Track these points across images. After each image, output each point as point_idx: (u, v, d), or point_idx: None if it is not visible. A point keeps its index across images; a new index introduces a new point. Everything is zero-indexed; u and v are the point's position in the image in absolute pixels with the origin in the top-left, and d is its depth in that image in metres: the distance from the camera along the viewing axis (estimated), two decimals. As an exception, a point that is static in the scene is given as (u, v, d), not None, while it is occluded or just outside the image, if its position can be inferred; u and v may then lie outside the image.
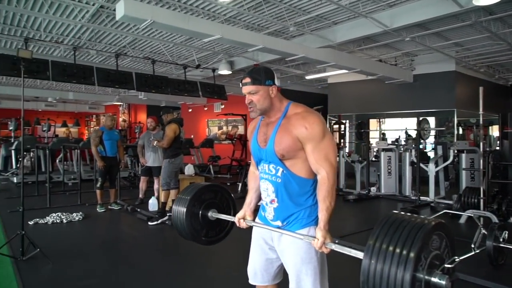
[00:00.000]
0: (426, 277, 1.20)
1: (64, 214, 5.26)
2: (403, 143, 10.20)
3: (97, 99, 15.45)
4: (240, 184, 7.57)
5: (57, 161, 8.63)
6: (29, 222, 4.91)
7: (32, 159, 7.54)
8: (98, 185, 5.75)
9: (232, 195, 2.16)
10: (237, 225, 1.92)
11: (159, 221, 5.00)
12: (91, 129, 19.39)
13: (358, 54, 8.67)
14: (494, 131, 12.03)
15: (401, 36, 7.10)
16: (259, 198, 1.92)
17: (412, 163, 6.93)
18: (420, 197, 6.55)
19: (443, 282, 1.20)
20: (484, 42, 7.98)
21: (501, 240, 3.27)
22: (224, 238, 2.08)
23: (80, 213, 5.39)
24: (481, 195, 4.94)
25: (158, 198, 5.76)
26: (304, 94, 12.94)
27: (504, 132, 5.62)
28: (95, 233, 4.70)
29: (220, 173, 11.13)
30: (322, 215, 1.58)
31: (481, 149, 4.88)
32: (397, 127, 12.00)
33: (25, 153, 8.83)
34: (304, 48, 7.21)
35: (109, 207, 5.94)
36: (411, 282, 1.13)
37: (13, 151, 8.81)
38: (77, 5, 5.97)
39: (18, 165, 8.61)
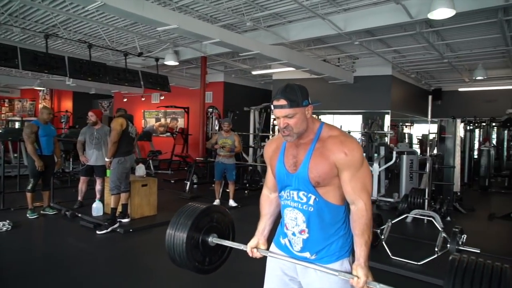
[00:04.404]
0: None
1: (-14, 224, 4.43)
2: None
3: (11, 82, 13.53)
4: (188, 183, 7.18)
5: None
6: None
7: None
8: (29, 187, 4.95)
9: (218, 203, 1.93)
10: (250, 255, 1.71)
11: (109, 229, 4.46)
12: (2, 115, 16.98)
13: (306, 52, 8.78)
14: (415, 129, 13.29)
15: (351, 39, 7.32)
16: (273, 225, 1.77)
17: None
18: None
19: None
20: (419, 51, 8.71)
21: (460, 243, 3.51)
22: (226, 260, 1.84)
23: (8, 221, 4.54)
24: (426, 196, 5.35)
25: (102, 201, 5.18)
26: (247, 88, 12.84)
27: (441, 136, 6.13)
28: (33, 247, 4.03)
29: (160, 168, 10.53)
30: (362, 250, 1.46)
31: (428, 153, 5.25)
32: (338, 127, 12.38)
33: None
34: (259, 44, 7.06)
35: (41, 212, 5.18)
36: None
37: None
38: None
39: None
